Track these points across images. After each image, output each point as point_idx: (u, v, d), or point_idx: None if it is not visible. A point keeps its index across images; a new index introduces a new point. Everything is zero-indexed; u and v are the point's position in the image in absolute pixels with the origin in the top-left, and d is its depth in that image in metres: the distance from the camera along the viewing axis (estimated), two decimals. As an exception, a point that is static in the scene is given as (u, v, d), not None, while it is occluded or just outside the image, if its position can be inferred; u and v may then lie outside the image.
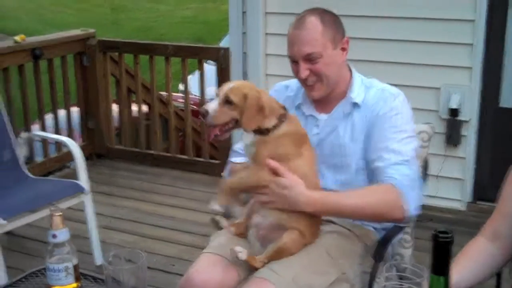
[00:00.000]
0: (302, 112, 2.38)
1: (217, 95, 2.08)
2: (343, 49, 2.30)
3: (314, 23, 2.23)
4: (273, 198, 2.08)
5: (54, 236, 1.78)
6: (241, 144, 2.27)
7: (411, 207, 2.18)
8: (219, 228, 2.24)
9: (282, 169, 2.07)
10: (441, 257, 1.20)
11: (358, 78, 2.37)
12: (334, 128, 2.32)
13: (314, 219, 2.18)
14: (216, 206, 2.11)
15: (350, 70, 2.39)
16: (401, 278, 1.43)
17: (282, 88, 2.48)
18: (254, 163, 2.11)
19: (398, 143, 2.21)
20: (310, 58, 2.22)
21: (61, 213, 1.78)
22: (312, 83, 2.26)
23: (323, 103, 2.35)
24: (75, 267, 1.81)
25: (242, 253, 2.06)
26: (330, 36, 2.23)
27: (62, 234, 1.78)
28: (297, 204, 2.08)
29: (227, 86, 2.07)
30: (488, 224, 1.93)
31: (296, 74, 2.28)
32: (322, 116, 2.35)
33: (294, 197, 2.07)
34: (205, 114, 2.03)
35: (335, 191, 2.25)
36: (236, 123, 2.08)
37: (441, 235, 1.18)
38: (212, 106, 2.04)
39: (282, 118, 2.13)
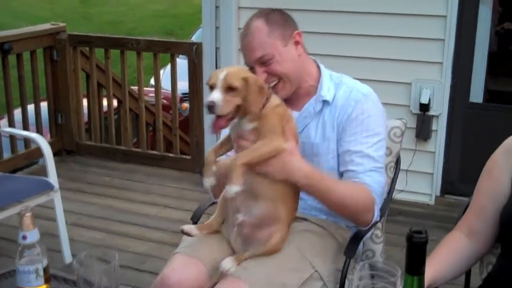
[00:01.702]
0: None
1: (213, 85, 1.95)
2: (297, 43, 2.27)
3: (259, 27, 2.22)
4: (275, 166, 1.99)
5: (24, 237, 1.74)
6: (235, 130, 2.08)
7: (377, 214, 2.23)
8: (190, 235, 2.18)
9: (288, 133, 2.03)
10: (415, 257, 1.20)
11: (327, 74, 2.34)
12: (304, 126, 2.31)
13: (293, 205, 2.15)
14: (208, 180, 2.00)
15: (318, 66, 2.37)
16: (373, 276, 1.42)
17: None
18: (264, 135, 1.99)
19: (371, 148, 2.22)
20: (263, 61, 2.21)
21: (31, 214, 1.74)
22: (273, 84, 2.24)
23: (293, 100, 2.32)
24: (45, 269, 1.78)
25: (232, 268, 2.03)
26: (278, 35, 2.22)
27: (32, 235, 1.74)
28: (294, 172, 2.01)
29: (222, 74, 1.95)
30: (464, 220, 1.94)
31: None
32: (293, 114, 2.33)
33: (294, 164, 2.01)
34: (212, 106, 1.91)
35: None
36: (239, 110, 1.97)
37: (415, 235, 1.18)
38: (217, 96, 1.92)
39: (269, 91, 2.07)
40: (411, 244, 1.19)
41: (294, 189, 2.11)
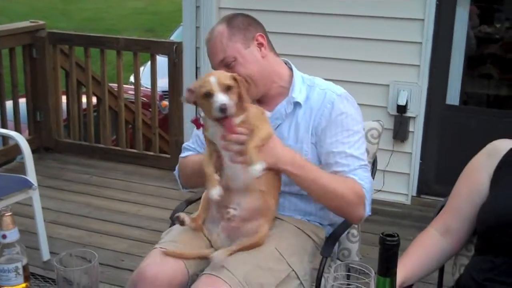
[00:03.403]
0: None
1: (210, 91, 1.96)
2: (260, 45, 2.29)
3: (220, 31, 2.25)
4: (265, 151, 2.04)
5: (4, 236, 1.76)
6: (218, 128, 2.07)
7: (368, 209, 2.26)
8: (182, 224, 2.21)
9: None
10: (387, 260, 1.24)
11: (299, 76, 2.36)
12: (276, 127, 2.31)
13: (275, 201, 2.20)
14: (215, 191, 2.02)
15: (291, 68, 2.39)
16: (349, 276, 1.45)
17: None
18: (254, 124, 2.04)
19: (353, 147, 2.24)
20: (226, 64, 2.23)
21: (11, 213, 1.76)
22: None
23: (265, 101, 2.33)
24: (25, 267, 1.80)
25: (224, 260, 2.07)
26: (239, 38, 2.24)
27: (12, 234, 1.76)
28: (282, 157, 2.08)
29: (212, 78, 1.98)
30: (440, 218, 2.00)
31: None
32: (267, 114, 2.34)
33: (279, 150, 2.08)
34: (226, 107, 1.94)
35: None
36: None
37: (388, 238, 1.22)
38: (225, 98, 1.95)
39: None
40: (383, 247, 1.23)
41: (277, 184, 2.17)
